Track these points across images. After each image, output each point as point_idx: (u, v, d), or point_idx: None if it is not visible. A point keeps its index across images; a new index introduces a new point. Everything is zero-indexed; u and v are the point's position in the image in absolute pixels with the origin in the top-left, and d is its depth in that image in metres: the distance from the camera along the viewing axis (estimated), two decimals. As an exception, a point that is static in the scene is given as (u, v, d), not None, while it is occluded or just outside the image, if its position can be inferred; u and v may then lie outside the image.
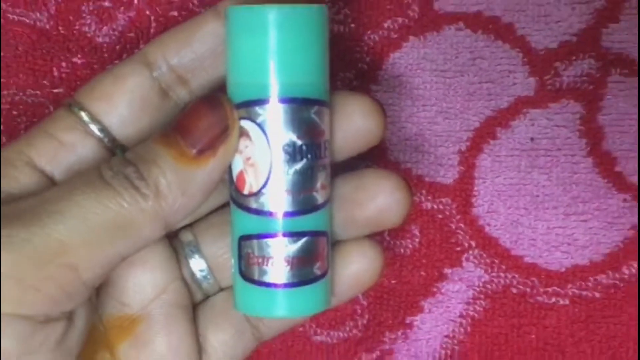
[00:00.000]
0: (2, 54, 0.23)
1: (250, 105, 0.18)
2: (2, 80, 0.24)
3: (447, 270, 0.25)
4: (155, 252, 0.21)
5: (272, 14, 0.18)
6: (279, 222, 0.19)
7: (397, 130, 0.24)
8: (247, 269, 0.19)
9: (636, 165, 0.23)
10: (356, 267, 0.21)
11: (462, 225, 0.25)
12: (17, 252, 0.17)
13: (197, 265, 0.21)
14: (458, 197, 0.25)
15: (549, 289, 0.25)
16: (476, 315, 0.25)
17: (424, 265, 0.25)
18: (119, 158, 0.19)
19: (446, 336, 0.25)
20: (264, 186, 0.19)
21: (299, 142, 0.19)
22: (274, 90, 0.18)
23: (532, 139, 0.24)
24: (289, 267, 0.19)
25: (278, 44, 0.18)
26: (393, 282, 0.25)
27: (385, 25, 0.24)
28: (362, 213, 0.20)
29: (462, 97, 0.24)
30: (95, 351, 0.21)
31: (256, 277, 0.19)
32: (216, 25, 0.20)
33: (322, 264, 0.20)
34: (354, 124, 0.20)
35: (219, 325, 0.22)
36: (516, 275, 0.25)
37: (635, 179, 0.23)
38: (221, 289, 0.22)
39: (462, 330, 0.25)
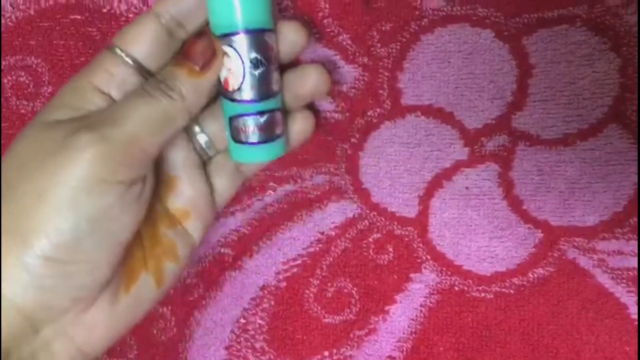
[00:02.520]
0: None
1: (227, 36, 0.25)
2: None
3: (412, 275, 0.31)
4: (178, 136, 0.27)
5: None
6: (251, 106, 0.25)
7: (377, 182, 0.31)
8: (235, 135, 0.26)
9: (537, 205, 0.30)
10: (299, 126, 0.28)
11: (421, 244, 0.31)
12: (107, 143, 0.22)
13: (202, 139, 0.28)
14: (418, 226, 0.31)
15: (480, 287, 0.30)
16: (431, 305, 0.31)
17: (396, 271, 0.31)
18: (153, 79, 0.24)
19: (412, 319, 0.31)
20: (240, 85, 0.25)
21: (259, 56, 0.25)
22: (241, 26, 0.25)
23: (466, 188, 0.30)
24: (259, 132, 0.26)
25: None
26: (375, 282, 0.31)
27: (369, 113, 0.30)
28: (302, 90, 0.27)
29: (420, 160, 0.30)
30: (154, 201, 0.26)
31: (241, 139, 0.26)
32: None
33: (279, 128, 0.26)
34: (287, 37, 0.26)
35: (220, 173, 0.28)
36: (458, 278, 0.31)
37: (536, 214, 0.30)
38: (218, 152, 0.28)
39: (422, 315, 0.31)
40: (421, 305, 0.31)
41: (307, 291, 0.32)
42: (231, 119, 0.26)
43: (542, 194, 0.30)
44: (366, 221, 0.31)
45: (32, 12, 0.32)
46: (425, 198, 0.31)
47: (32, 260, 0.21)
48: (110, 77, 0.25)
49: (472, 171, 0.30)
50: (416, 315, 0.31)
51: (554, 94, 0.29)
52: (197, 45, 0.25)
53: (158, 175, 0.27)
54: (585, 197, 0.30)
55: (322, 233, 0.32)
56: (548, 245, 0.30)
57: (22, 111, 0.32)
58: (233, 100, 0.26)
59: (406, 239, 0.31)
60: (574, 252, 0.30)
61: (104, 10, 0.31)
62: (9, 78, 0.32)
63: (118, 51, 0.25)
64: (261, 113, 0.26)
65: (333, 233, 0.32)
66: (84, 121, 0.23)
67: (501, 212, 0.30)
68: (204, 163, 0.29)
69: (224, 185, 0.29)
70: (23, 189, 0.22)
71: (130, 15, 0.31)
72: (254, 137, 0.26)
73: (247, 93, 0.26)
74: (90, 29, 0.31)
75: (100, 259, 0.23)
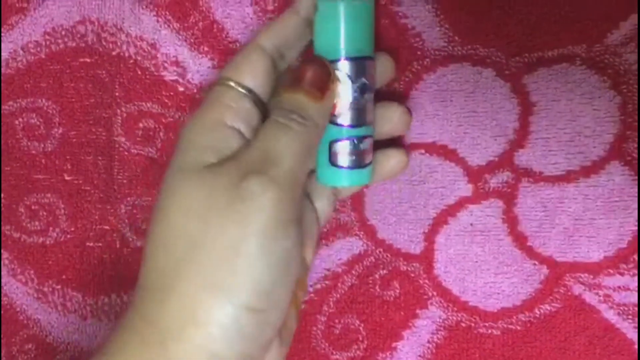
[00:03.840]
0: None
1: (332, 62, 0.26)
2: (124, 191, 0.32)
3: (418, 311, 0.31)
4: None
5: (341, 6, 0.25)
6: (352, 130, 0.26)
7: (383, 219, 0.31)
8: (332, 158, 0.27)
9: (542, 241, 0.30)
10: (390, 162, 0.29)
11: (427, 281, 0.31)
12: (278, 185, 0.22)
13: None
14: (424, 262, 0.31)
15: (486, 324, 0.30)
16: (438, 341, 0.31)
17: (402, 307, 0.31)
18: (280, 110, 0.24)
19: (419, 355, 0.31)
20: (345, 109, 0.26)
21: (367, 82, 0.26)
22: (347, 52, 0.25)
23: (471, 224, 0.30)
24: (355, 157, 0.27)
25: (345, 25, 0.25)
26: (382, 319, 0.31)
27: None
28: (387, 126, 0.28)
29: (425, 196, 0.31)
30: None
31: (337, 162, 0.27)
32: (297, 19, 0.27)
33: (370, 156, 0.27)
34: (378, 68, 0.27)
35: (319, 196, 0.29)
36: (464, 315, 0.30)
37: (541, 250, 0.30)
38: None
39: (429, 351, 0.31)
40: (428, 342, 0.31)
41: (314, 328, 0.32)
42: (331, 143, 0.27)
43: (547, 230, 0.30)
44: (372, 257, 0.32)
45: (42, 56, 0.33)
46: (431, 234, 0.31)
47: (238, 312, 0.22)
48: (235, 111, 0.25)
49: (477, 208, 0.31)
50: (423, 352, 0.31)
51: (556, 132, 0.30)
52: (315, 71, 0.25)
53: None
54: (589, 233, 0.30)
55: (329, 270, 0.32)
56: (554, 281, 0.30)
57: (33, 152, 0.33)
58: (335, 124, 0.26)
59: (412, 275, 0.31)
60: (579, 288, 0.30)
61: (113, 54, 0.32)
62: (20, 120, 0.33)
63: (233, 84, 0.25)
64: (359, 138, 0.27)
65: (340, 269, 0.32)
66: (241, 163, 0.23)
67: (506, 248, 0.31)
68: None
69: (324, 207, 0.29)
70: (216, 243, 0.22)
71: (139, 58, 0.32)
72: (348, 161, 0.27)
73: (350, 118, 0.26)
74: (100, 72, 0.32)
75: (287, 301, 0.24)
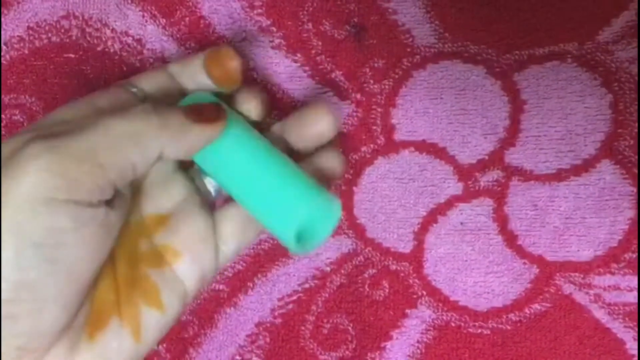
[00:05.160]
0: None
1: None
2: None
3: (408, 311, 0.30)
4: (177, 176, 0.26)
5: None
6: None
7: (372, 217, 0.31)
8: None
9: (532, 240, 0.30)
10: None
11: (416, 280, 0.30)
12: (61, 154, 0.19)
13: (210, 183, 0.26)
14: (413, 261, 0.30)
15: (476, 323, 0.30)
16: (428, 341, 0.30)
17: (392, 307, 0.30)
18: (147, 104, 0.22)
19: (408, 355, 0.31)
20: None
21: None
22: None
23: (461, 223, 0.30)
24: None
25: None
26: (372, 318, 0.31)
27: (362, 149, 0.30)
28: (311, 131, 0.26)
29: (414, 195, 0.30)
30: (137, 238, 0.24)
31: None
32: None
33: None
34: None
35: (228, 222, 0.26)
36: (454, 314, 0.30)
37: (532, 249, 0.30)
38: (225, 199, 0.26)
39: (419, 351, 0.31)
40: (417, 342, 0.31)
41: (302, 328, 0.32)
42: None
43: (537, 229, 0.30)
44: (361, 257, 0.31)
45: (26, 52, 0.32)
46: (420, 233, 0.31)
47: None
48: (116, 101, 0.24)
49: (467, 206, 0.30)
50: (412, 352, 0.31)
51: (547, 130, 0.29)
52: (208, 104, 0.24)
53: (146, 208, 0.25)
54: (580, 232, 0.29)
55: (317, 269, 0.32)
56: (544, 281, 0.30)
57: (16, 149, 0.32)
58: None
59: (401, 275, 0.31)
60: (570, 288, 0.30)
61: (98, 49, 0.31)
62: (3, 116, 0.32)
63: (128, 85, 0.25)
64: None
65: (328, 269, 0.31)
66: (44, 130, 0.20)
67: (496, 247, 0.30)
68: (212, 205, 0.27)
69: (233, 233, 0.26)
70: None
71: (124, 54, 0.31)
72: None
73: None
74: (84, 67, 0.32)
75: (50, 298, 0.19)
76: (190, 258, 0.24)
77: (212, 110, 0.23)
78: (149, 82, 0.25)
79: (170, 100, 0.26)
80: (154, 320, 0.23)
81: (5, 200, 0.18)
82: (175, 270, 0.24)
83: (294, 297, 0.32)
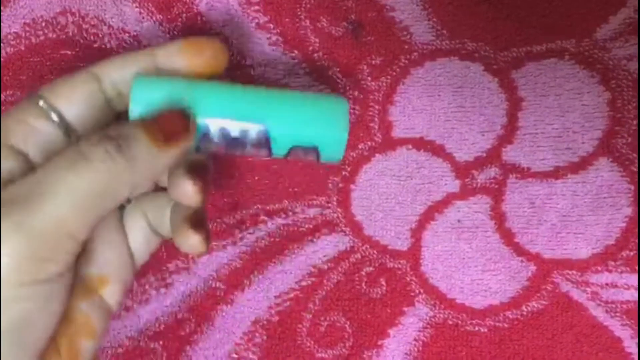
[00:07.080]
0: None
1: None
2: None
3: (405, 309, 0.30)
4: (115, 232, 0.24)
5: None
6: None
7: (369, 215, 0.31)
8: None
9: (529, 238, 0.30)
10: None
11: (414, 278, 0.30)
12: (26, 234, 0.17)
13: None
14: (411, 259, 0.30)
15: (473, 321, 0.30)
16: (425, 339, 0.30)
17: (389, 305, 0.30)
18: (99, 135, 0.19)
19: (405, 353, 0.31)
20: None
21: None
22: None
23: (458, 221, 0.30)
24: None
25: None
26: (369, 316, 0.31)
27: (360, 146, 0.30)
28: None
29: (411, 193, 0.30)
30: (80, 299, 0.22)
31: None
32: (147, 60, 0.23)
33: None
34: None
35: (134, 230, 0.25)
36: (451, 312, 0.30)
37: (529, 247, 0.30)
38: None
39: (416, 349, 0.30)
40: (415, 340, 0.31)
41: (299, 325, 0.32)
42: None
43: (534, 227, 0.30)
44: (358, 254, 0.31)
45: (22, 48, 0.32)
46: (418, 231, 0.31)
47: None
48: (29, 132, 0.21)
49: (464, 204, 0.30)
50: (410, 350, 0.31)
51: (544, 127, 0.29)
52: (169, 115, 0.21)
53: (89, 273, 0.23)
54: (577, 229, 0.29)
55: (315, 266, 0.31)
56: (541, 278, 0.30)
57: (12, 146, 0.32)
58: None
59: (399, 272, 0.31)
60: (567, 285, 0.30)
61: (95, 46, 0.31)
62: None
63: (42, 103, 0.21)
64: None
65: (325, 266, 0.31)
66: (6, 193, 0.19)
67: (494, 245, 0.30)
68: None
69: (139, 243, 0.25)
70: None
71: (121, 51, 0.31)
72: None
73: None
74: (81, 64, 0.31)
75: None
76: (115, 279, 0.24)
77: (176, 118, 0.21)
78: (66, 97, 0.22)
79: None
80: (91, 349, 0.22)
81: None
82: (102, 295, 0.23)
83: (291, 295, 0.32)
